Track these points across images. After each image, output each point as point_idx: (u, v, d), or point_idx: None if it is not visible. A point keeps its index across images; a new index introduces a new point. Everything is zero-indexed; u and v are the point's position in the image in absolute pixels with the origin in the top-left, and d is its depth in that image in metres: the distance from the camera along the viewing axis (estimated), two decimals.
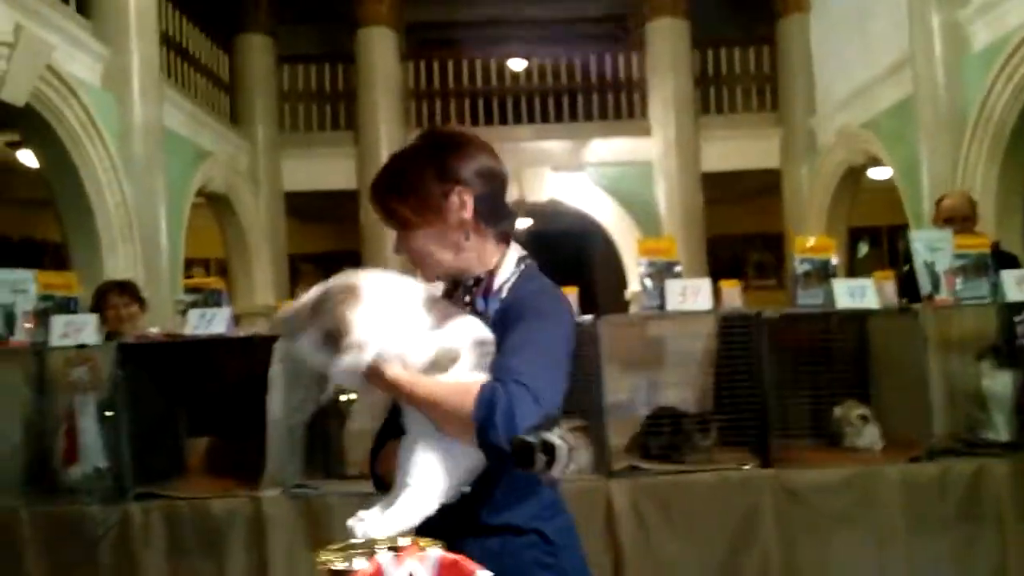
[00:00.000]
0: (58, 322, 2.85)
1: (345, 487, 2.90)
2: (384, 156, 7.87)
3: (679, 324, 3.20)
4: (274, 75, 9.69)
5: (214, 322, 2.95)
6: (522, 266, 1.41)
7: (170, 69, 7.47)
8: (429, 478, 1.22)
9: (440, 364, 1.26)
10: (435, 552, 0.84)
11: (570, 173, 9.74)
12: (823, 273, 2.98)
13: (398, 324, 1.26)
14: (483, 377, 1.24)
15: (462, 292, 1.42)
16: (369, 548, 0.91)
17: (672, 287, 2.88)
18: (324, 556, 0.91)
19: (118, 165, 5.92)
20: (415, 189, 1.39)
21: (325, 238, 11.09)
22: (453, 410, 1.21)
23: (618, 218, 9.74)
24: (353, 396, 3.13)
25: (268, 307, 8.78)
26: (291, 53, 9.94)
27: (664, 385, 3.31)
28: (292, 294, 8.14)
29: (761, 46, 9.93)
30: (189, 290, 3.03)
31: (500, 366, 1.24)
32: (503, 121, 9.99)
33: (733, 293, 4.36)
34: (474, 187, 1.38)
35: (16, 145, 7.24)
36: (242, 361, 3.35)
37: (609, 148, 9.73)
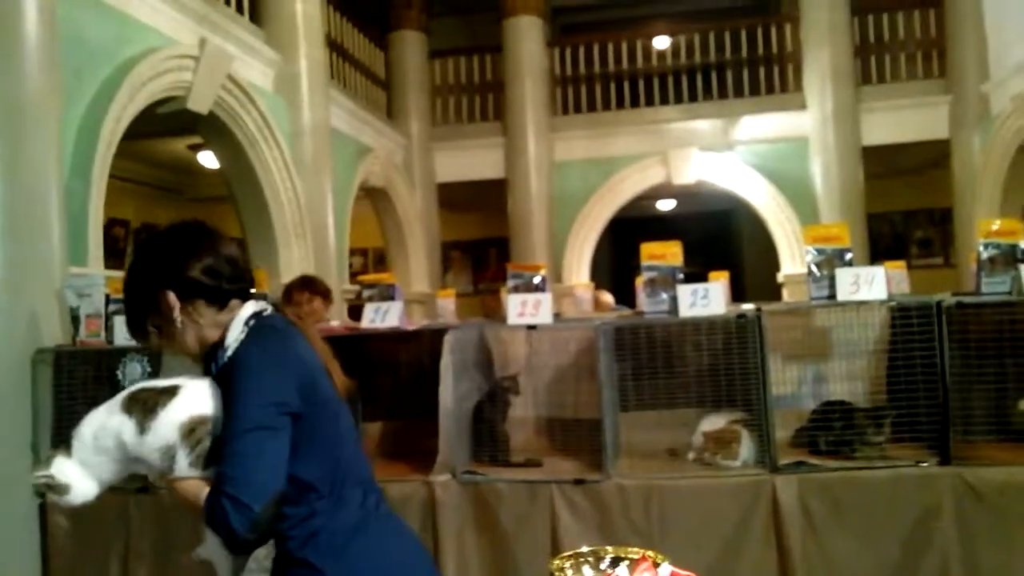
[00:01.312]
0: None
1: (511, 474, 3.02)
2: (531, 144, 7.91)
3: (847, 313, 3.10)
4: (426, 70, 9.98)
5: (388, 315, 3.13)
6: (252, 323, 1.58)
7: (333, 70, 7.82)
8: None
9: (165, 464, 1.48)
10: (667, 568, 0.89)
11: (719, 153, 9.50)
12: (1010, 258, 2.80)
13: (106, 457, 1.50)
14: (198, 475, 1.48)
15: (206, 357, 1.62)
16: (596, 556, 0.97)
17: (843, 276, 2.79)
18: (556, 563, 0.98)
19: (290, 165, 6.31)
20: (135, 301, 1.64)
21: (473, 226, 11.37)
22: (194, 514, 1.49)
23: (770, 198, 9.41)
24: None
25: (424, 294, 9.12)
26: (441, 47, 10.21)
27: (831, 377, 3.22)
28: (444, 282, 8.40)
29: (927, 8, 9.28)
30: (366, 285, 3.20)
31: (217, 475, 1.45)
32: (649, 102, 9.84)
33: (899, 275, 4.16)
34: (181, 284, 1.58)
35: (196, 148, 7.85)
36: (411, 351, 3.55)
37: (760, 125, 9.41)
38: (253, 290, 1.66)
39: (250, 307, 1.61)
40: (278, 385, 1.51)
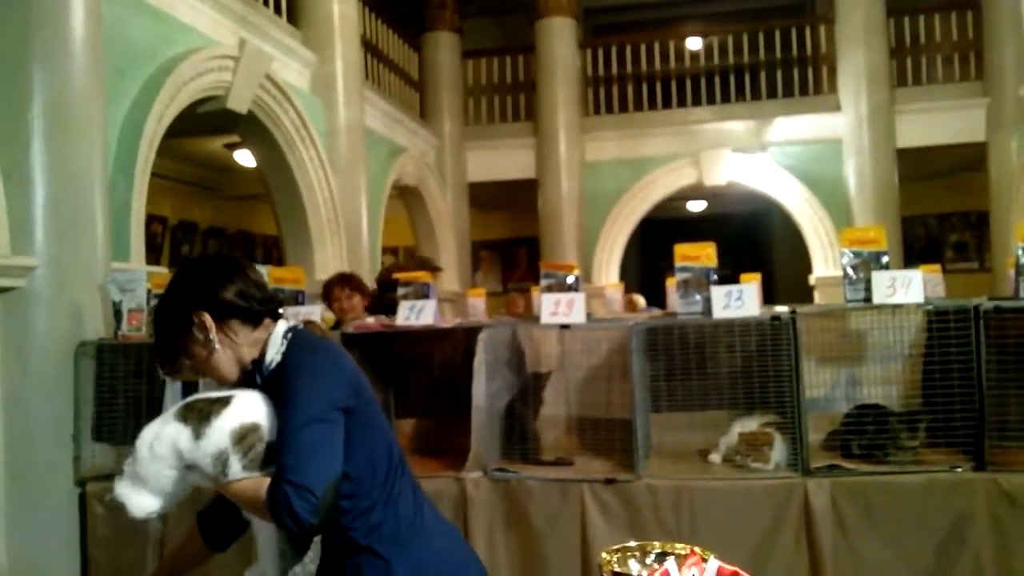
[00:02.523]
0: (287, 314, 3.16)
1: (542, 472, 3.04)
2: (562, 145, 7.93)
3: (882, 316, 3.09)
4: (459, 70, 10.03)
5: (423, 313, 3.16)
6: (289, 336, 1.65)
7: (368, 71, 7.89)
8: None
9: (218, 470, 1.53)
10: (715, 563, 0.91)
11: (751, 154, 9.44)
12: None
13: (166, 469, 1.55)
14: (257, 476, 1.53)
15: (249, 375, 1.67)
16: (642, 551, 0.99)
17: (880, 279, 2.78)
18: (605, 557, 1.00)
19: (326, 164, 6.38)
20: (169, 328, 1.66)
21: (503, 226, 11.41)
22: (255, 510, 1.55)
23: (803, 199, 9.33)
24: None
25: (454, 293, 9.17)
26: (474, 48, 10.26)
27: (865, 380, 3.20)
28: (473, 281, 8.45)
29: (964, 10, 9.15)
30: (401, 283, 3.24)
31: (277, 467, 1.50)
32: (681, 103, 9.79)
33: (934, 279, 4.12)
34: (214, 307, 1.63)
35: (232, 146, 7.95)
36: (445, 349, 3.58)
37: (794, 126, 9.33)
38: (281, 310, 1.73)
39: (283, 324, 1.68)
40: (331, 382, 1.58)
